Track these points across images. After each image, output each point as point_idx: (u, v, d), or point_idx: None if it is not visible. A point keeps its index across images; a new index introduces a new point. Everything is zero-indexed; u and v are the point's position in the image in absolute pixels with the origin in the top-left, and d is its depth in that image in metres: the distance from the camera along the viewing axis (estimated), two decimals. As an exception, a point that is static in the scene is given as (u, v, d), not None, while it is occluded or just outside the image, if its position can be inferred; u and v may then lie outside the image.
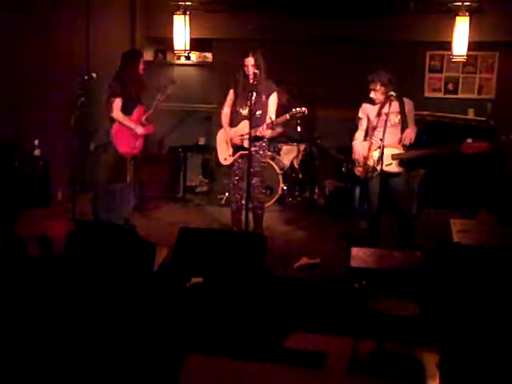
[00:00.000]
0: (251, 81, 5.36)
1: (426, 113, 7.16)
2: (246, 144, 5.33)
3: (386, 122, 4.95)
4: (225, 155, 5.65)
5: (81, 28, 6.90)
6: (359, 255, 4.13)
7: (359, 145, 5.37)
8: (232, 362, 2.94)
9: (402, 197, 5.34)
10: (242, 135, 5.43)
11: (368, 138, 5.37)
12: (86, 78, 5.56)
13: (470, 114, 7.57)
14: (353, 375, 3.48)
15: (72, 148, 5.28)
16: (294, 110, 5.34)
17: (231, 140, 5.55)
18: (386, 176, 5.12)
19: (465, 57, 7.16)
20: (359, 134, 5.44)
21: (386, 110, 5.07)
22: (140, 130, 5.67)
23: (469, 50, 7.07)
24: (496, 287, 3.57)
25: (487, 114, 7.29)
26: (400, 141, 5.19)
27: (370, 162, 5.28)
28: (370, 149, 5.29)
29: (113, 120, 5.59)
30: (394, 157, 5.17)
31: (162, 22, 7.82)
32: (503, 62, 7.67)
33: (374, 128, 5.27)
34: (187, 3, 7.58)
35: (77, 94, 5.37)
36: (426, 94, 7.91)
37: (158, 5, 8.01)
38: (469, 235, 4.15)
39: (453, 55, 7.17)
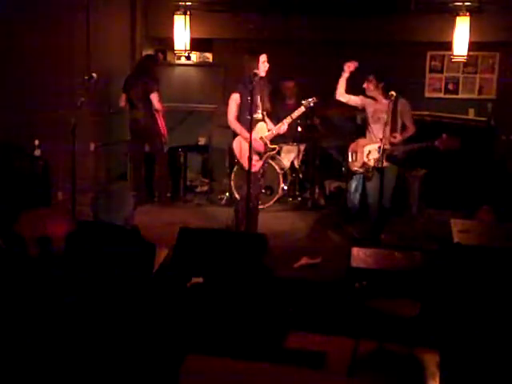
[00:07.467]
0: (262, 79, 5.27)
1: (425, 113, 7.16)
2: (268, 144, 5.37)
3: (386, 121, 4.99)
4: (252, 162, 5.26)
5: (81, 28, 6.91)
6: (359, 255, 4.12)
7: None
8: (232, 362, 2.94)
9: (382, 191, 5.02)
10: (262, 138, 5.35)
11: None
12: (86, 77, 5.57)
13: (471, 114, 7.57)
14: (353, 375, 3.48)
15: (72, 148, 5.28)
16: (304, 101, 5.32)
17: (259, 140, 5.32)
18: (367, 171, 5.28)
19: (465, 57, 7.17)
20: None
21: (378, 107, 5.22)
22: None
23: (469, 50, 7.08)
24: (496, 287, 3.57)
25: (487, 114, 7.29)
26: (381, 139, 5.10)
27: (362, 158, 5.39)
28: (363, 144, 5.39)
29: None
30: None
31: (162, 22, 7.84)
32: (503, 62, 7.67)
33: (369, 124, 5.41)
34: (187, 3, 7.60)
35: (77, 93, 5.38)
36: (427, 94, 7.92)
37: (158, 5, 8.02)
38: (469, 235, 4.15)
39: (453, 55, 7.19)
